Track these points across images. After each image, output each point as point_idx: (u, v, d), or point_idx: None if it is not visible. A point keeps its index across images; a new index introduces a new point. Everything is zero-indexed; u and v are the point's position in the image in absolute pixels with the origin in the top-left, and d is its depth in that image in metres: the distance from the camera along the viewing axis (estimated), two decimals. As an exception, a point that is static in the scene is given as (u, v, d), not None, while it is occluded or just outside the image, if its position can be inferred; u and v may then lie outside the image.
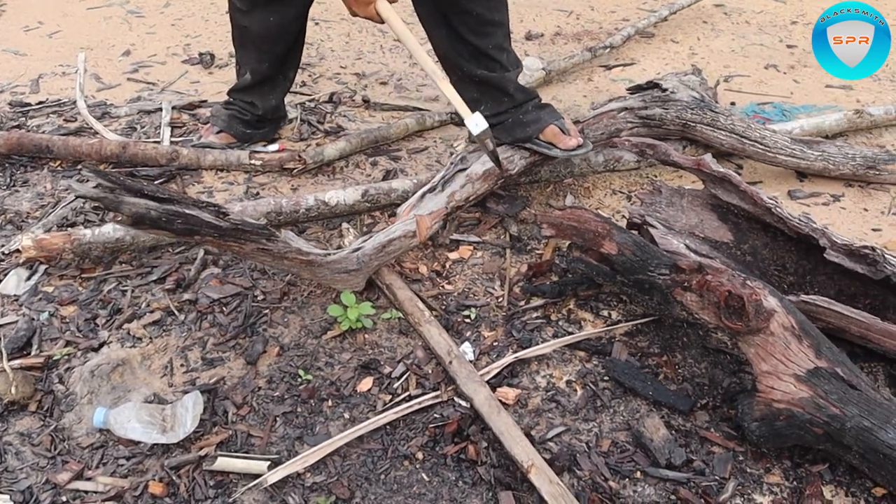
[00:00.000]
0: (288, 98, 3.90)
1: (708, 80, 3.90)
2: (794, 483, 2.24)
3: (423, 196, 3.08)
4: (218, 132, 3.58)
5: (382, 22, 2.88)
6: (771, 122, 3.73)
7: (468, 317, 2.73)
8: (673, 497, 2.20)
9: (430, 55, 2.90)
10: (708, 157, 2.83)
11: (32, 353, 2.59)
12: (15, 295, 2.81)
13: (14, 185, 3.34)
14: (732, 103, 3.89)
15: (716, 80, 4.04)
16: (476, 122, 2.78)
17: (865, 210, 3.26)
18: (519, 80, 3.14)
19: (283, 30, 3.34)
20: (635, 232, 2.78)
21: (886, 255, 2.57)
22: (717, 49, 4.44)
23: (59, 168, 3.43)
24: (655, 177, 3.40)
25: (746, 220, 2.85)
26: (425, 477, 2.25)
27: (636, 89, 3.49)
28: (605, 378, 2.53)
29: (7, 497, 2.18)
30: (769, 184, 3.36)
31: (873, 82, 4.22)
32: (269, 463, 2.24)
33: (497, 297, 2.81)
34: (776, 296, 2.33)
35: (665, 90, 3.41)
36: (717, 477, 2.26)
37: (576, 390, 2.49)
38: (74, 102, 3.85)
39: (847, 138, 3.71)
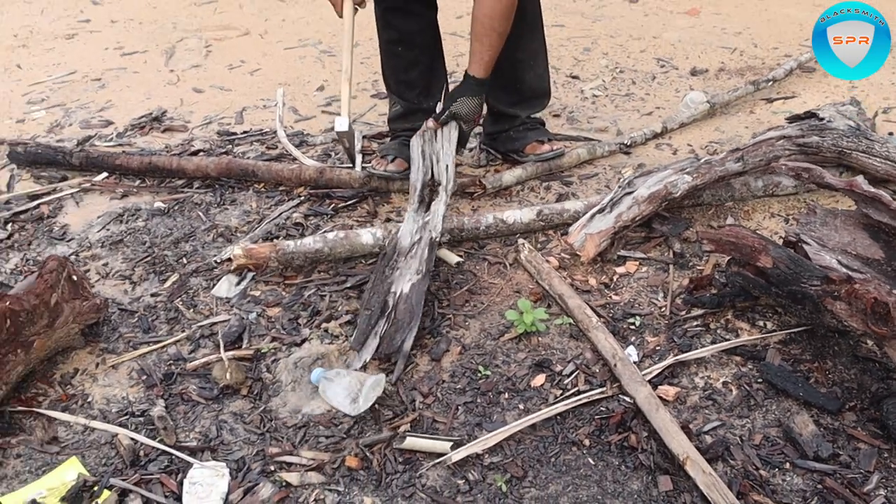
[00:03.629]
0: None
1: (867, 111, 4.03)
2: (938, 477, 2.40)
3: (592, 216, 3.34)
4: (393, 159, 3.80)
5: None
6: (929, 150, 3.84)
7: (633, 324, 2.97)
8: (819, 486, 2.39)
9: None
10: (860, 179, 3.00)
11: (243, 346, 2.95)
12: (227, 297, 3.19)
13: (224, 204, 3.73)
14: (891, 133, 4.01)
15: (874, 112, 4.17)
16: (340, 123, 3.45)
17: None
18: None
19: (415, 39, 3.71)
20: (790, 249, 2.97)
21: None
22: (877, 82, 4.56)
23: (262, 189, 3.82)
24: (813, 201, 3.57)
25: (898, 238, 3.01)
26: (591, 461, 2.49)
27: (794, 119, 3.67)
28: (759, 380, 2.72)
29: (223, 464, 2.52)
30: (925, 209, 3.48)
31: None
32: (451, 443, 2.53)
33: (660, 308, 3.04)
34: (922, 304, 2.50)
35: (822, 119, 3.58)
36: (861, 470, 2.43)
37: (731, 390, 2.70)
38: (275, 132, 4.25)
39: None
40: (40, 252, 3.47)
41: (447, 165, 3.39)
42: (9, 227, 3.65)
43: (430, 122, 3.55)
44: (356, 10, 3.52)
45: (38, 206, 3.76)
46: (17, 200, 3.81)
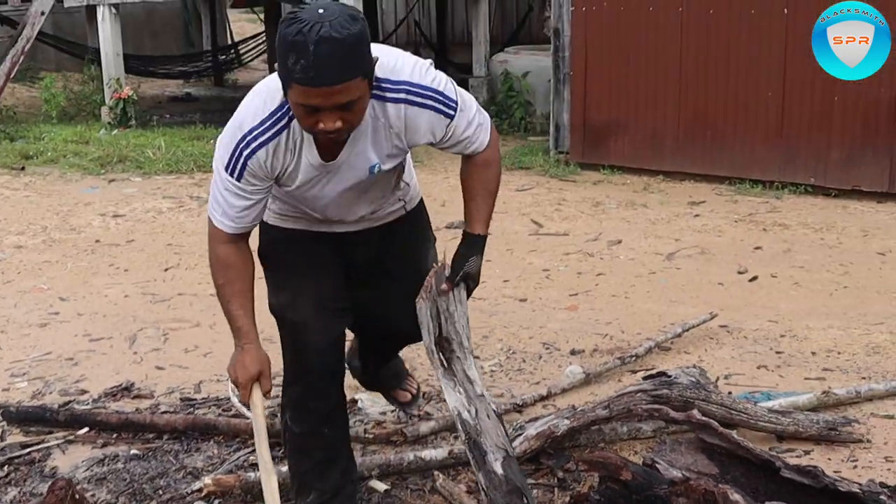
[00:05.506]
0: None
1: (711, 377, 4.87)
2: None
3: (492, 451, 4.06)
4: None
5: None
6: (757, 403, 4.67)
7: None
8: None
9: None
10: (694, 411, 3.81)
11: (216, 553, 3.54)
12: (197, 519, 3.78)
13: (190, 451, 4.32)
14: (730, 393, 4.85)
15: (716, 377, 5.02)
16: None
17: (829, 459, 4.13)
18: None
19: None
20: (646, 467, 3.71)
21: (825, 471, 3.50)
22: (719, 357, 5.46)
23: (221, 440, 4.43)
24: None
25: (728, 457, 3.76)
26: None
27: (649, 377, 4.48)
28: (627, 563, 3.40)
29: None
30: (755, 444, 4.24)
31: (842, 374, 5.20)
32: None
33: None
34: (740, 493, 3.25)
35: (670, 377, 4.40)
36: None
37: (604, 571, 3.36)
38: (228, 398, 4.92)
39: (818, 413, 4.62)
40: (34, 487, 4.01)
41: (463, 325, 3.29)
42: (5, 468, 4.19)
43: (444, 285, 3.30)
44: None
45: (29, 453, 4.31)
46: (11, 448, 4.37)
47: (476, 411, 3.00)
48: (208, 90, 20.88)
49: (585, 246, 8.33)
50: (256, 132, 2.90)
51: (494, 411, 3.05)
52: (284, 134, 2.92)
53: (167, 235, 8.76)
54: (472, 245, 3.33)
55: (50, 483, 3.57)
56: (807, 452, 4.21)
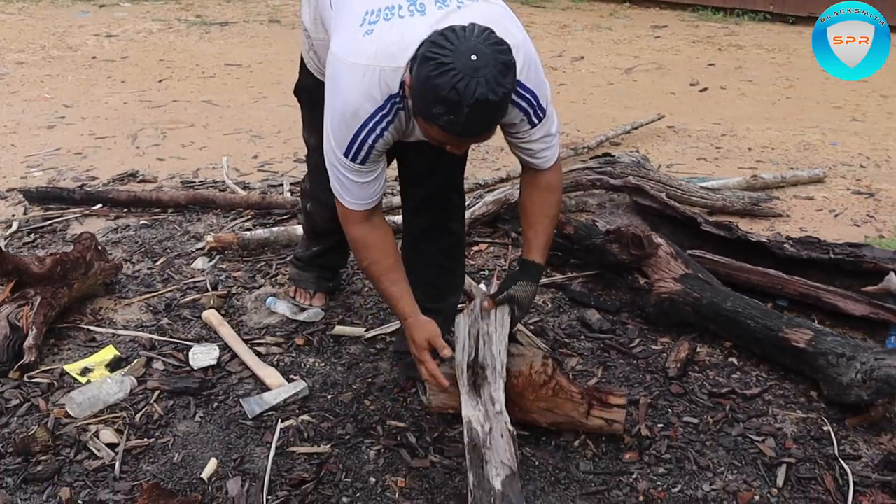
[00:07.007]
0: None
1: (654, 165, 5.34)
2: (676, 341, 3.59)
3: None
4: (314, 293, 3.91)
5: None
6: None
7: (484, 275, 4.13)
8: (602, 345, 3.54)
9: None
10: (630, 177, 4.29)
11: (218, 291, 4.02)
12: (202, 269, 4.22)
13: (192, 221, 4.76)
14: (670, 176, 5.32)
15: (658, 165, 5.49)
16: (254, 403, 3.22)
17: (751, 229, 4.58)
18: None
19: None
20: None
21: (739, 225, 4.00)
22: (664, 151, 5.89)
23: (219, 212, 4.89)
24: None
25: (659, 217, 4.27)
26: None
27: (594, 157, 4.96)
28: (566, 298, 3.88)
29: (214, 345, 3.56)
30: (687, 216, 4.75)
31: (773, 165, 5.68)
32: (365, 328, 3.64)
33: (502, 265, 4.21)
34: (663, 238, 3.74)
35: (613, 156, 4.87)
36: (629, 337, 3.60)
37: (548, 304, 3.84)
38: (223, 181, 5.37)
39: (745, 194, 5.11)
40: (58, 248, 4.47)
41: (500, 350, 2.90)
42: (31, 235, 4.65)
43: (486, 302, 3.02)
44: None
45: (51, 224, 4.74)
46: (34, 220, 4.82)
47: (490, 428, 2.69)
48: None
49: (549, 61, 8.66)
50: (378, 116, 2.60)
51: (510, 431, 2.70)
52: (403, 113, 2.62)
53: (159, 52, 9.04)
54: (526, 271, 3.06)
55: (77, 235, 4.03)
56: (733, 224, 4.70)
